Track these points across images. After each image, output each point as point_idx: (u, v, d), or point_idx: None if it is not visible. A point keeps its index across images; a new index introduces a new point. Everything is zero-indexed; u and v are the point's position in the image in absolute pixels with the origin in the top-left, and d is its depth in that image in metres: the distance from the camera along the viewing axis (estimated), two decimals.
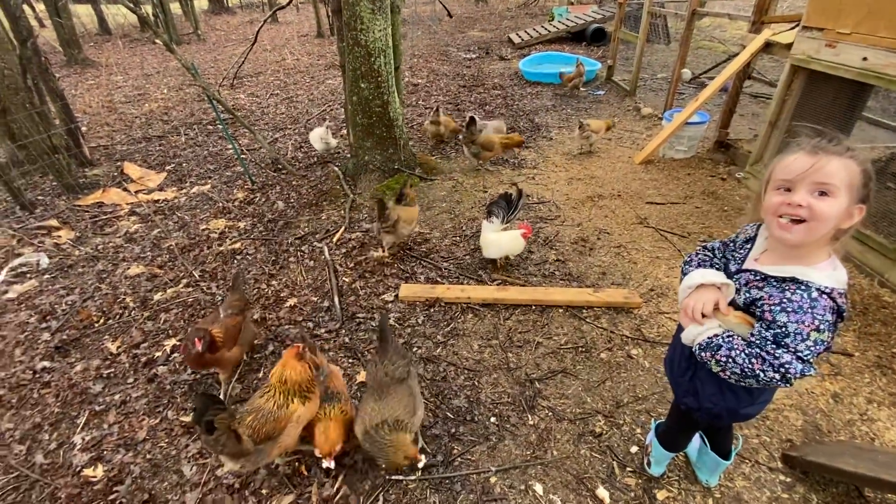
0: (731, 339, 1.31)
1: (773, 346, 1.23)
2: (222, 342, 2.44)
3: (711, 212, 4.15)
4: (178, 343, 2.96)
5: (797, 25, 4.08)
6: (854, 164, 1.16)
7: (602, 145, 5.65)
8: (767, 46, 4.51)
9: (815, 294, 1.20)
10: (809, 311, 1.19)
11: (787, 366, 1.20)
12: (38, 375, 2.81)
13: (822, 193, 1.17)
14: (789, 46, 4.05)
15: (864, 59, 3.33)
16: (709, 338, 1.35)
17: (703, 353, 1.36)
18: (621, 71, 8.52)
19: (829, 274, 1.22)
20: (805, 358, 1.20)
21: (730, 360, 1.29)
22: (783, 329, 1.21)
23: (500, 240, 3.36)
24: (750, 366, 1.25)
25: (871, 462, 1.93)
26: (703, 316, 1.37)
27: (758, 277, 1.32)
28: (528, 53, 10.04)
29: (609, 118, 5.82)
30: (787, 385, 1.24)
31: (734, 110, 5.20)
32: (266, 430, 1.92)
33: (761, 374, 1.24)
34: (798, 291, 1.21)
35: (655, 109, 6.63)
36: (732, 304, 1.38)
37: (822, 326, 1.18)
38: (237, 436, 1.86)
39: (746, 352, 1.27)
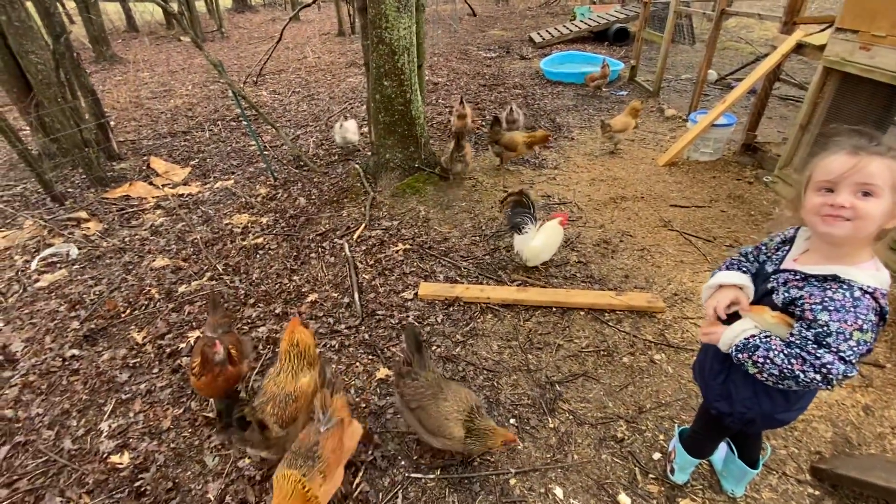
0: (768, 339, 1.29)
1: (815, 345, 1.20)
2: (238, 357, 2.34)
3: (738, 216, 4.06)
4: (200, 335, 3.01)
5: (830, 27, 3.98)
6: None
7: (625, 146, 5.57)
8: (799, 48, 4.40)
9: (857, 293, 1.17)
10: (852, 309, 1.16)
11: (828, 366, 1.17)
12: (66, 363, 2.88)
13: (866, 194, 1.15)
14: (822, 48, 3.95)
15: None
16: (745, 339, 1.33)
17: (739, 355, 1.34)
18: (644, 71, 8.40)
19: (872, 274, 1.19)
20: (847, 359, 1.17)
21: (768, 360, 1.26)
22: (825, 328, 1.19)
23: (546, 240, 3.31)
24: (789, 366, 1.22)
25: None
26: (722, 319, 1.41)
27: (797, 277, 1.29)
28: (550, 53, 9.95)
29: (637, 100, 5.53)
30: (829, 387, 1.21)
31: (763, 112, 5.08)
32: (288, 412, 1.99)
33: (801, 376, 1.21)
34: (840, 290, 1.19)
35: (679, 111, 6.51)
36: (770, 304, 1.36)
37: (865, 326, 1.15)
38: (263, 425, 1.90)
39: (785, 352, 1.24)
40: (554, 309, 3.10)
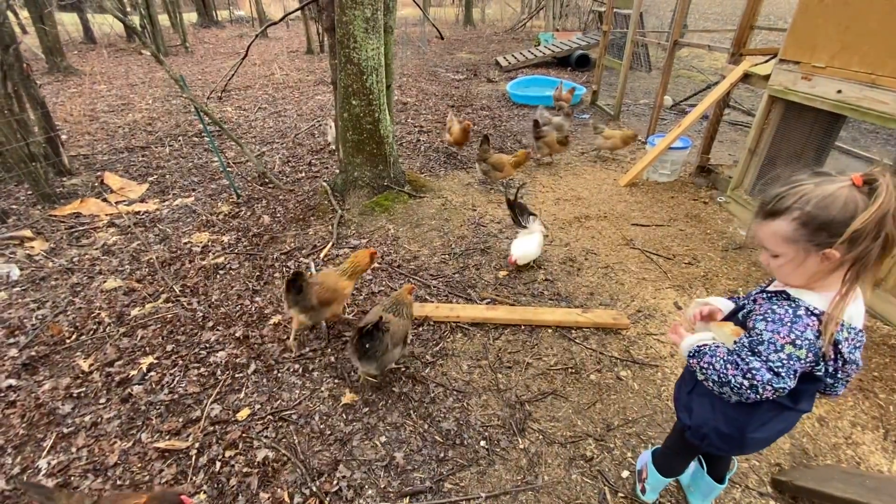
0: (717, 348, 1.36)
1: (748, 352, 1.26)
2: None
3: (695, 234, 4.23)
4: (154, 361, 2.84)
5: (774, 58, 4.26)
6: (782, 224, 1.18)
7: (588, 167, 5.75)
8: (746, 77, 4.69)
9: (800, 311, 1.21)
10: (788, 324, 1.21)
11: (754, 372, 1.22)
12: (3, 394, 2.65)
13: (774, 255, 1.25)
14: (766, 78, 4.21)
15: (839, 91, 3.48)
16: (699, 346, 1.40)
17: (691, 360, 1.41)
18: (605, 96, 8.75)
19: (829, 300, 1.19)
20: (775, 370, 1.21)
21: (710, 366, 1.33)
22: (759, 336, 1.25)
23: (539, 241, 3.66)
24: (725, 371, 1.29)
25: (860, 487, 1.95)
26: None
27: (764, 296, 1.35)
28: (515, 76, 10.24)
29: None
30: (756, 395, 1.24)
31: (715, 137, 5.35)
32: (325, 296, 2.77)
33: (732, 380, 1.26)
34: (785, 305, 1.24)
35: (638, 134, 6.78)
36: (735, 320, 1.43)
37: (798, 342, 1.19)
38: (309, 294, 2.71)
39: (725, 358, 1.31)
40: (522, 327, 3.11)
